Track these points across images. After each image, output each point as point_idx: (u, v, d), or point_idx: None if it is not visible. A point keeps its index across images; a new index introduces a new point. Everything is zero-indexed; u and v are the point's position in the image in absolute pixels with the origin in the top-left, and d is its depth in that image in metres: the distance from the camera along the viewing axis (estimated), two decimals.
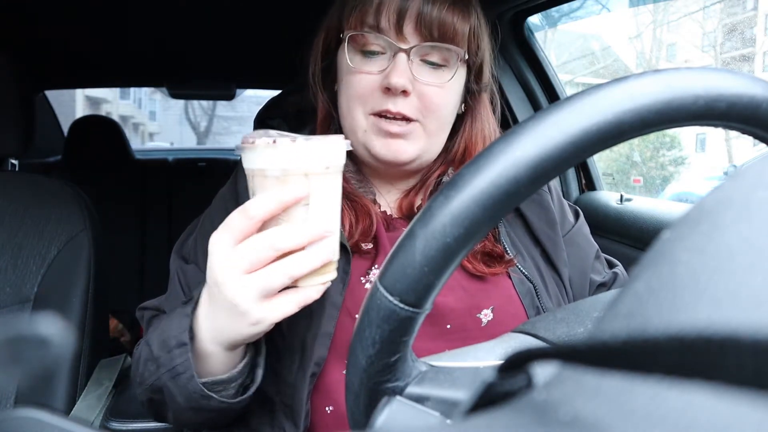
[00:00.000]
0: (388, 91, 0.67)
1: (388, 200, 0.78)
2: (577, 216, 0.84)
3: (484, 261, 0.71)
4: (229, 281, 0.53)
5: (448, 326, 0.68)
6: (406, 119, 0.68)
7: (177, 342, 0.58)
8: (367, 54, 0.69)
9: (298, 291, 0.55)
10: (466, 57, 0.71)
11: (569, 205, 0.85)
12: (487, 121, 0.78)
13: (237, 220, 0.53)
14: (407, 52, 0.67)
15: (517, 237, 0.76)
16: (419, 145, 0.70)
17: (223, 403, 0.59)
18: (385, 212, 0.76)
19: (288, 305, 0.54)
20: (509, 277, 0.72)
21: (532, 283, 0.72)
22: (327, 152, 0.53)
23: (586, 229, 0.83)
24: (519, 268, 0.73)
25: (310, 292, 0.55)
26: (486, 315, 0.69)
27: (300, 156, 0.52)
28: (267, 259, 0.52)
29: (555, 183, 0.84)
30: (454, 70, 0.69)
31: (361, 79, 0.69)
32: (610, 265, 0.85)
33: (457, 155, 0.76)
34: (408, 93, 0.67)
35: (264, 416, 0.68)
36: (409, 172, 0.76)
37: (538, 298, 0.71)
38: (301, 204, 0.53)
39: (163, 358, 0.59)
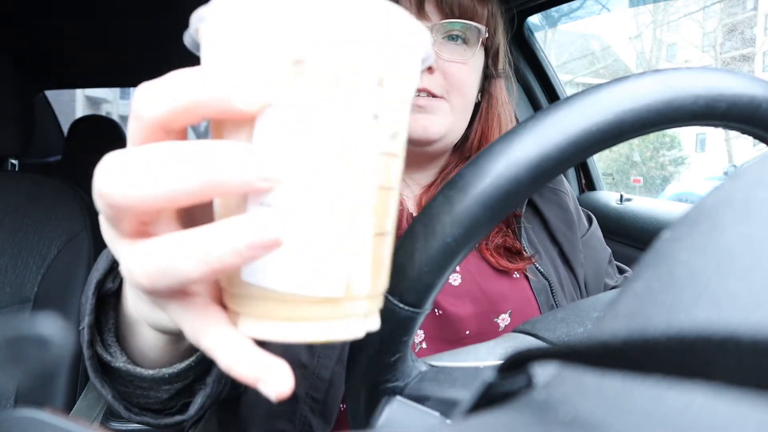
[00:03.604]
0: None
1: (406, 195, 0.78)
2: (590, 221, 0.85)
3: (506, 256, 0.72)
4: (105, 233, 0.27)
5: (467, 332, 0.68)
6: (432, 95, 0.70)
7: (91, 288, 0.41)
8: None
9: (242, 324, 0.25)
10: (486, 36, 0.72)
11: (582, 210, 0.86)
12: (504, 108, 0.79)
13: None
14: (429, 29, 0.68)
15: (536, 235, 0.76)
16: (446, 121, 0.71)
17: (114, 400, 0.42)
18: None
19: (222, 336, 0.25)
20: (527, 279, 0.72)
21: (548, 280, 0.72)
22: (311, 20, 0.22)
23: (600, 234, 0.84)
24: (536, 267, 0.73)
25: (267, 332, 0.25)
26: (504, 319, 0.69)
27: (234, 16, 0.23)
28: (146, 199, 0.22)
29: (570, 187, 0.85)
30: (474, 48, 0.71)
31: None
32: (620, 271, 0.86)
33: (473, 142, 0.77)
34: (432, 70, 0.68)
35: (281, 412, 0.65)
36: (433, 155, 0.76)
37: (554, 297, 0.72)
38: (240, 129, 0.24)
39: (83, 309, 0.42)
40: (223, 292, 0.26)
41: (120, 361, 0.42)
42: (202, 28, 0.25)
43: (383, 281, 0.27)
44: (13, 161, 1.52)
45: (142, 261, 0.23)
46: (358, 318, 0.25)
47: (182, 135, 0.26)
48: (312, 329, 0.24)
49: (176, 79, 0.23)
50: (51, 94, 2.85)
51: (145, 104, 0.24)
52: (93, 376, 0.41)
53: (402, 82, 0.25)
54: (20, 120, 1.18)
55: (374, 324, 0.27)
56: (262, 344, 0.25)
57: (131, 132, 0.25)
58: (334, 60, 0.23)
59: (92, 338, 0.41)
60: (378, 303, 0.27)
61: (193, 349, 0.42)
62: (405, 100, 0.26)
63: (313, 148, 0.23)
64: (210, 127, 0.26)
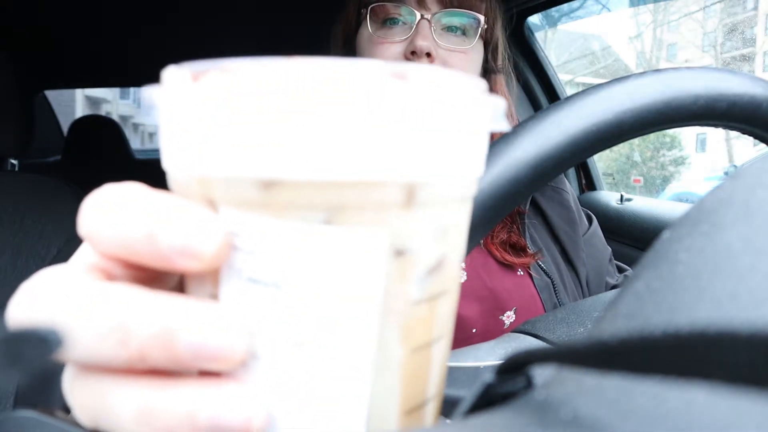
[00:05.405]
0: (413, 55, 0.68)
1: None
2: (590, 220, 0.85)
3: (511, 252, 0.72)
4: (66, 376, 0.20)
5: (474, 330, 0.69)
6: None
7: None
8: (389, 23, 0.71)
9: None
10: (485, 27, 0.73)
11: (583, 209, 0.86)
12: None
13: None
14: (429, 19, 0.69)
15: (538, 233, 0.76)
16: None
17: None
18: None
19: None
20: (530, 277, 0.73)
21: (550, 278, 0.73)
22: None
23: (600, 233, 0.85)
24: (539, 264, 0.73)
25: None
26: (509, 317, 0.70)
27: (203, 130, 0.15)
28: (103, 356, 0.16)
29: (570, 186, 0.85)
30: (474, 39, 0.72)
31: (384, 48, 0.71)
32: (620, 270, 0.86)
33: None
34: (432, 57, 0.69)
35: None
36: None
37: (556, 294, 0.72)
38: (204, 278, 0.16)
39: None
40: None
41: None
42: (159, 111, 0.16)
43: None
44: (13, 161, 1.52)
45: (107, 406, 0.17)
46: None
47: (156, 275, 0.18)
48: None
49: (116, 194, 0.17)
50: (51, 94, 2.85)
51: (96, 221, 0.16)
52: None
53: (453, 180, 0.16)
54: (20, 120, 1.18)
55: None
56: None
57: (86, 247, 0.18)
58: (326, 178, 0.13)
59: None
60: None
61: None
62: (464, 198, 0.17)
63: (301, 309, 0.14)
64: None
